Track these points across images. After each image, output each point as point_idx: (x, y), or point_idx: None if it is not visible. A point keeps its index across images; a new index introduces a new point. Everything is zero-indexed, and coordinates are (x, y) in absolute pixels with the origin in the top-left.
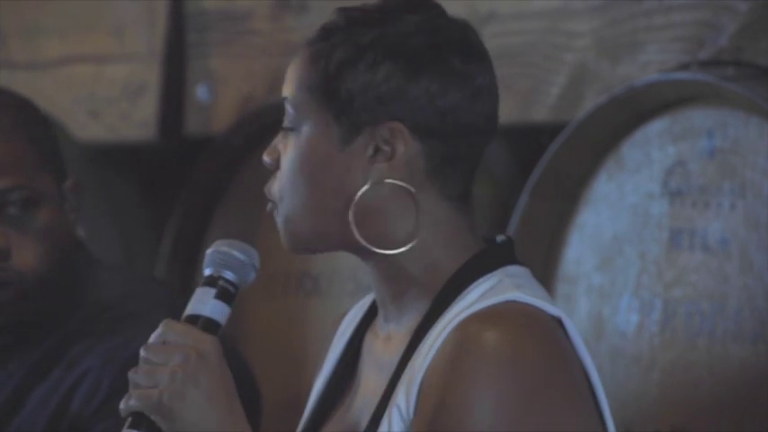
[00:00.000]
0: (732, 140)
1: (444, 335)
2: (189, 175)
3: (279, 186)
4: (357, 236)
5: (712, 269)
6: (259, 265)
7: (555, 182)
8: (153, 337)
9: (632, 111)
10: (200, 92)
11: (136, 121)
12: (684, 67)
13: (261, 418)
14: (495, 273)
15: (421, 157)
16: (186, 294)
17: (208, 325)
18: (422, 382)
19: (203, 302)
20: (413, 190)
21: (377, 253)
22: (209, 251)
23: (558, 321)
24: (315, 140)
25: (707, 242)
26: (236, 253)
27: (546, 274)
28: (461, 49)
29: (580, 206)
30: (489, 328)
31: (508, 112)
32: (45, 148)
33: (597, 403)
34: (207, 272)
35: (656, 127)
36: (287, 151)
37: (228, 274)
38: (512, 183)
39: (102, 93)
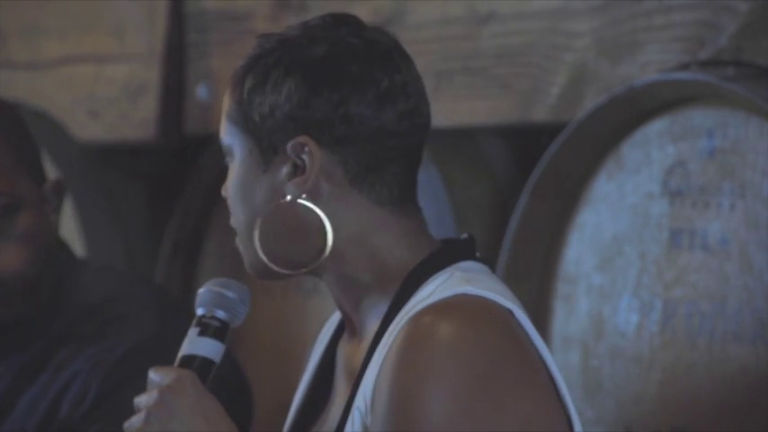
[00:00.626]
0: (732, 140)
1: (396, 332)
2: (189, 175)
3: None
4: (260, 254)
5: (712, 269)
6: (250, 301)
7: (555, 182)
8: (148, 385)
9: (632, 111)
10: (200, 92)
11: (136, 120)
12: (684, 67)
13: (252, 417)
14: (446, 269)
15: (338, 166)
16: (186, 294)
17: (204, 365)
18: (375, 381)
19: (197, 342)
20: (313, 207)
21: (322, 267)
22: (200, 290)
23: (510, 314)
24: (242, 167)
25: (707, 242)
26: (226, 292)
27: (546, 274)
28: (360, 55)
29: (580, 206)
30: (438, 320)
31: (508, 112)
32: (22, 151)
33: (559, 393)
34: (199, 312)
35: (656, 127)
36: (228, 182)
37: (220, 314)
38: (512, 183)
39: (102, 93)
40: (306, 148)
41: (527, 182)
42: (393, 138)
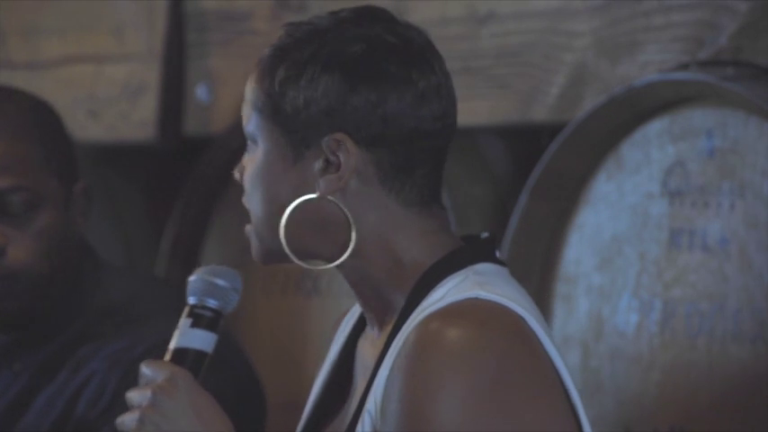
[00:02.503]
0: (732, 140)
1: (406, 334)
2: (189, 175)
3: (245, 200)
4: (283, 244)
5: (712, 269)
6: (241, 287)
7: (555, 182)
8: (140, 380)
9: (632, 111)
10: (200, 92)
11: (136, 121)
12: (684, 67)
13: (265, 417)
14: (461, 271)
15: (371, 165)
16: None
17: (197, 357)
18: (385, 384)
19: (189, 334)
20: (342, 205)
21: (342, 262)
22: (191, 278)
23: (522, 319)
24: (268, 156)
25: (706, 242)
26: (218, 281)
27: (546, 274)
28: (399, 55)
29: (580, 206)
30: (448, 325)
31: (508, 112)
32: (54, 150)
33: (570, 399)
34: (190, 300)
35: (656, 127)
36: (245, 169)
37: (212, 302)
38: (511, 183)
39: (101, 93)
40: (342, 146)
41: (527, 182)
42: (426, 139)
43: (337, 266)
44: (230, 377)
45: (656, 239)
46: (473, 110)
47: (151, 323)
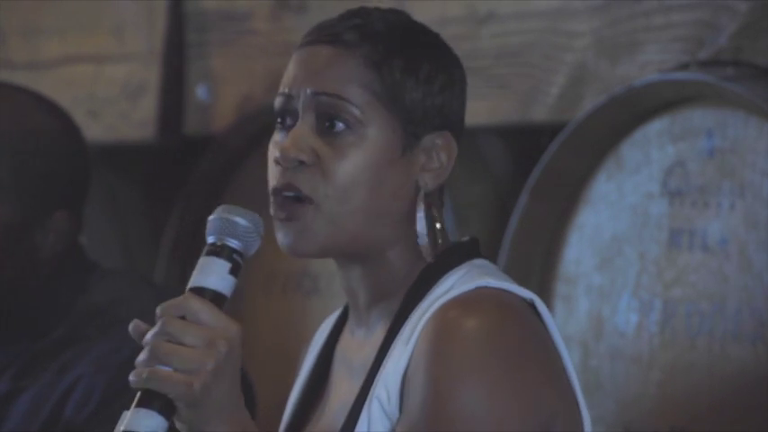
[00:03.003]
0: (731, 140)
1: (421, 325)
2: (189, 175)
3: (324, 185)
4: (361, 238)
5: (712, 269)
6: (263, 232)
7: (554, 182)
8: (169, 308)
9: (632, 111)
10: (200, 92)
11: (135, 120)
12: (684, 67)
13: (254, 413)
14: (462, 266)
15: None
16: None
17: (216, 299)
18: (405, 373)
19: (210, 274)
20: (422, 202)
21: (376, 258)
22: (211, 217)
23: (531, 304)
24: (382, 145)
25: (706, 242)
26: (239, 219)
27: (546, 274)
28: (457, 61)
29: (580, 206)
30: (466, 314)
31: (508, 112)
32: (21, 178)
33: (571, 385)
34: (210, 239)
35: (656, 127)
36: (340, 151)
37: (234, 243)
38: (511, 183)
39: (101, 93)
40: (450, 144)
41: (527, 182)
42: None
43: (365, 263)
44: None
45: (656, 239)
46: (473, 110)
47: None
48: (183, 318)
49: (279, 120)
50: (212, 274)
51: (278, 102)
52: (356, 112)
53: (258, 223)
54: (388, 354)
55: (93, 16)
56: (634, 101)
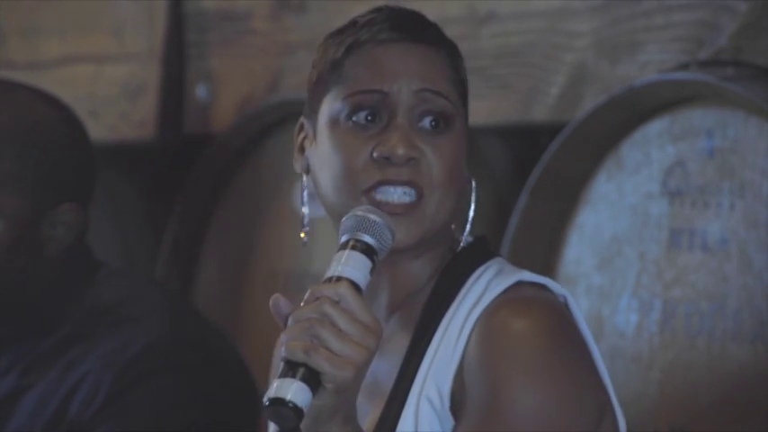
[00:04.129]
0: (731, 140)
1: (470, 325)
2: (189, 175)
3: (430, 181)
4: (445, 223)
5: (711, 269)
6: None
7: (554, 182)
8: (325, 291)
9: (632, 111)
10: (200, 92)
11: (135, 120)
12: (684, 67)
13: (258, 415)
14: (490, 262)
15: None
16: (186, 294)
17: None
18: (456, 375)
19: (356, 268)
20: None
21: (433, 248)
22: (344, 219)
23: (564, 301)
24: (463, 139)
25: (706, 242)
26: (371, 216)
27: (546, 275)
28: None
29: (579, 206)
30: (518, 316)
31: (508, 112)
32: (27, 167)
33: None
34: (343, 238)
35: (656, 127)
36: (440, 146)
37: (366, 238)
38: (511, 183)
39: (101, 93)
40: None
41: (527, 182)
42: None
43: (402, 264)
44: (224, 375)
45: (656, 239)
46: (473, 110)
47: (143, 323)
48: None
49: (368, 116)
50: (358, 269)
51: (369, 99)
52: (451, 108)
53: (391, 222)
54: (431, 351)
55: (93, 16)
56: (634, 101)
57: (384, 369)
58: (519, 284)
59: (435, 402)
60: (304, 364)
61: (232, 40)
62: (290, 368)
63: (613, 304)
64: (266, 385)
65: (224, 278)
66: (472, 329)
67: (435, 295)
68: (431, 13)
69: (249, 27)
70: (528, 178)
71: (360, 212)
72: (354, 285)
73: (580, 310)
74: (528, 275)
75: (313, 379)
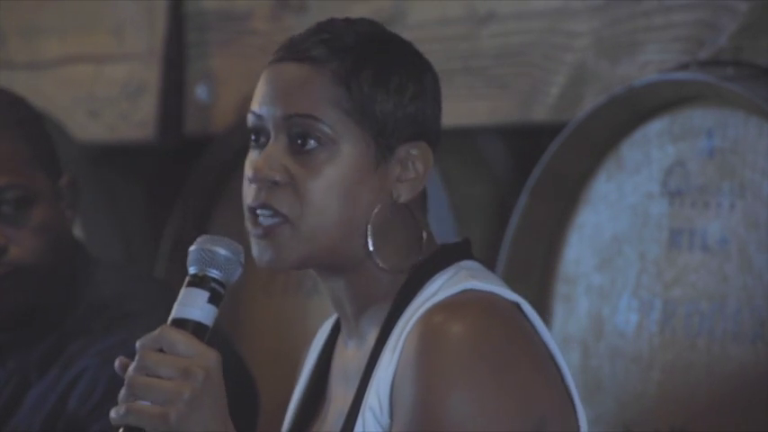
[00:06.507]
0: (731, 140)
1: (407, 331)
2: (189, 175)
3: (299, 203)
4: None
5: (712, 269)
6: (244, 260)
7: (554, 182)
8: (147, 342)
9: (632, 111)
10: (200, 92)
11: (135, 121)
12: (684, 67)
13: (258, 416)
14: (449, 268)
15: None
16: None
17: (197, 329)
18: (392, 381)
19: (191, 305)
20: (413, 212)
21: (357, 269)
22: (192, 248)
23: (517, 306)
24: (355, 160)
25: (706, 242)
26: (220, 250)
27: (546, 274)
28: (429, 67)
29: (579, 206)
30: (451, 319)
31: (508, 112)
32: (39, 145)
33: (565, 384)
34: (192, 270)
35: (656, 127)
36: (313, 169)
37: (214, 273)
38: (511, 183)
39: (101, 93)
40: (425, 155)
41: (527, 182)
42: None
43: (347, 275)
44: (224, 376)
45: (656, 239)
46: (473, 110)
47: (142, 319)
48: (161, 350)
49: (253, 137)
50: (193, 305)
51: (250, 120)
52: (327, 130)
53: (239, 252)
54: (379, 361)
55: (93, 16)
56: (634, 101)
57: (354, 382)
58: (466, 292)
59: (376, 411)
60: (128, 426)
61: (232, 40)
62: None
63: (613, 304)
64: (265, 385)
65: None
66: (409, 334)
67: (393, 307)
68: (431, 13)
69: (249, 27)
70: (528, 178)
71: (194, 246)
72: (190, 322)
73: (580, 310)
74: (477, 284)
75: None
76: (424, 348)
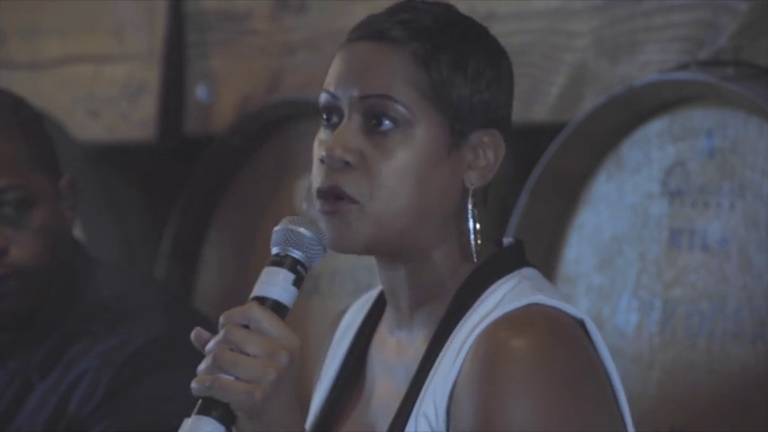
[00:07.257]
0: (731, 140)
1: (470, 341)
2: (189, 175)
3: (369, 185)
4: (407, 236)
5: (712, 269)
6: (327, 243)
7: (554, 182)
8: (233, 316)
9: (632, 111)
10: (200, 92)
11: (135, 121)
12: (684, 67)
13: None
14: (511, 275)
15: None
16: (186, 294)
17: (277, 308)
18: (453, 392)
19: (271, 284)
20: (470, 201)
21: (420, 259)
22: (276, 228)
23: (581, 323)
24: (430, 143)
25: (706, 242)
26: (304, 230)
27: (546, 275)
28: (506, 54)
29: (579, 206)
30: (517, 334)
31: None
32: (39, 147)
33: (618, 404)
34: (275, 250)
35: (656, 127)
36: (387, 151)
37: (296, 253)
38: (512, 183)
39: (101, 93)
40: (497, 142)
41: (527, 182)
42: None
43: (409, 263)
44: None
45: (656, 239)
46: None
47: (142, 320)
48: (245, 326)
49: (325, 116)
50: (275, 284)
51: (323, 99)
52: (403, 111)
53: (322, 235)
54: (435, 366)
55: (93, 16)
56: (634, 101)
57: (401, 377)
58: (531, 306)
59: (431, 418)
60: (209, 398)
61: (232, 40)
62: (201, 404)
63: (613, 304)
64: None
65: (224, 278)
66: (471, 346)
67: (451, 308)
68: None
69: (249, 27)
70: (528, 178)
71: (279, 226)
72: (269, 301)
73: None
74: (543, 298)
75: (222, 410)
76: (489, 363)
